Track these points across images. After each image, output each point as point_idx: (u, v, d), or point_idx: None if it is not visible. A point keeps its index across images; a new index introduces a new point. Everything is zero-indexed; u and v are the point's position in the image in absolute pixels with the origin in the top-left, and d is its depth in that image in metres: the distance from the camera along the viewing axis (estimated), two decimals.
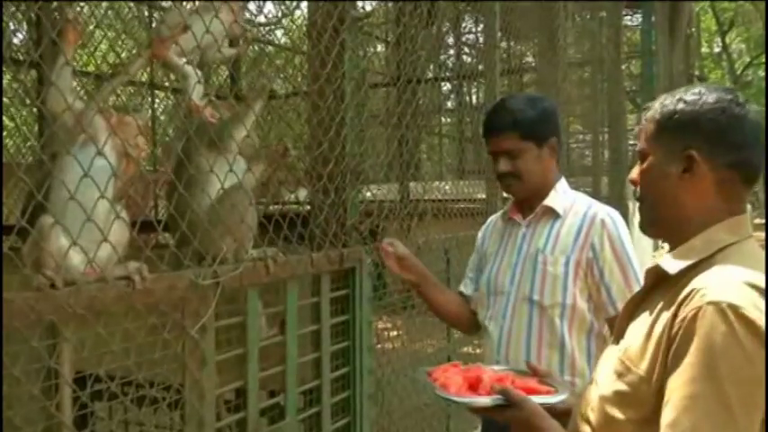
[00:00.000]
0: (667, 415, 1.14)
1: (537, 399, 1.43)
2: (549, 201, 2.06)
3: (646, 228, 1.40)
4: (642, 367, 1.23)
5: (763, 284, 1.15)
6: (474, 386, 1.53)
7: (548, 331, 2.00)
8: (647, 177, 1.35)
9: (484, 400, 1.44)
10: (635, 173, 1.39)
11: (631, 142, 7.98)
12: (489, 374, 1.57)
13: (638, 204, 1.40)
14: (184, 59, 2.04)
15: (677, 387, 1.14)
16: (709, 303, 1.14)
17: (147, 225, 2.23)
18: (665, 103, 1.34)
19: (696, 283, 1.20)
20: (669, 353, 1.18)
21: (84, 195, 1.57)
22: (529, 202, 2.11)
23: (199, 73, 2.08)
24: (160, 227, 2.08)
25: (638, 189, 1.38)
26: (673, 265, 1.28)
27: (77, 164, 1.60)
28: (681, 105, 1.30)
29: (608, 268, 1.96)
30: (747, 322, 1.11)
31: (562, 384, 1.59)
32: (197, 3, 2.11)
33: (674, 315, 1.19)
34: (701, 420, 1.10)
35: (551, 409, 1.42)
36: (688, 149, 1.28)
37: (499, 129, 2.05)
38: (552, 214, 2.06)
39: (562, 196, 2.08)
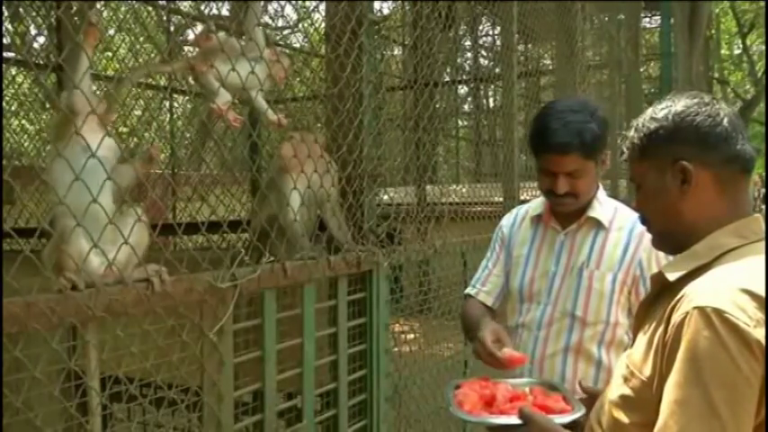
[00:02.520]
0: (659, 420, 1.16)
1: (555, 418, 1.44)
2: (593, 212, 2.00)
3: (660, 246, 1.41)
4: (644, 373, 1.24)
5: (757, 288, 1.14)
6: (489, 403, 1.56)
7: (587, 347, 1.97)
8: (648, 200, 1.35)
9: (494, 420, 1.48)
10: (635, 202, 1.39)
11: None
12: (504, 393, 1.59)
13: (646, 228, 1.40)
14: (218, 85, 2.06)
15: (667, 392, 1.15)
16: (695, 308, 1.15)
17: (166, 228, 2.24)
18: (639, 125, 1.34)
19: (687, 288, 1.21)
20: (664, 359, 1.19)
21: (103, 197, 1.57)
22: (574, 211, 2.03)
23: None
24: (180, 229, 2.09)
25: (642, 215, 1.38)
26: (673, 272, 1.28)
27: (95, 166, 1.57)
28: (654, 123, 1.30)
29: (648, 280, 1.89)
30: (731, 326, 1.11)
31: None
32: (243, 41, 2.11)
33: (668, 321, 1.20)
34: (688, 424, 1.11)
35: (575, 425, 1.44)
36: (679, 161, 1.27)
37: (564, 149, 1.89)
38: (594, 225, 2.00)
39: (604, 206, 2.02)
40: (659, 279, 1.32)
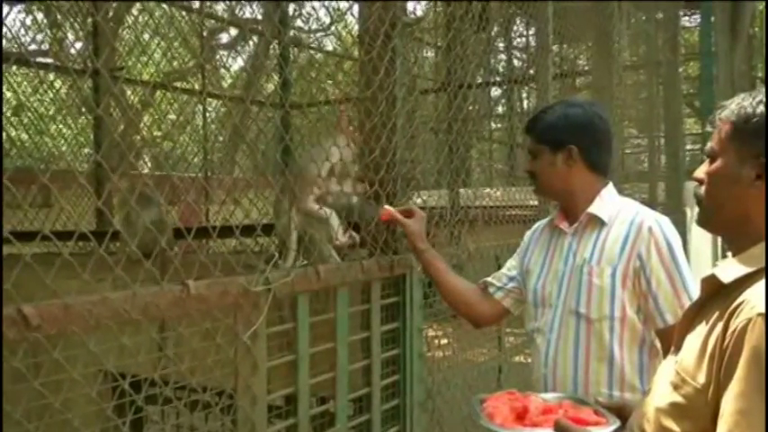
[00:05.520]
0: (719, 430, 1.12)
1: (592, 430, 1.42)
2: (593, 208, 2.01)
3: (705, 224, 1.37)
4: (698, 380, 1.21)
5: None
6: (521, 416, 1.53)
7: (596, 345, 1.95)
8: (716, 178, 1.31)
9: None
10: (701, 171, 1.35)
11: (689, 147, 7.77)
12: (536, 405, 1.56)
13: (699, 202, 1.36)
14: (317, 206, 2.30)
15: (728, 402, 1.12)
16: (759, 315, 1.11)
17: (200, 231, 2.27)
18: (744, 104, 1.29)
19: (748, 293, 1.17)
20: (722, 366, 1.15)
21: None
22: (573, 209, 2.07)
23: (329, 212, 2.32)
24: (214, 233, 2.11)
25: (703, 188, 1.34)
26: (727, 274, 1.24)
27: None
28: (760, 109, 1.25)
29: (655, 278, 1.89)
30: None
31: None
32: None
33: (726, 327, 1.16)
34: None
35: None
36: (762, 156, 1.23)
37: (525, 131, 2.16)
38: (598, 222, 2.01)
39: (608, 203, 2.02)
40: (711, 281, 1.28)
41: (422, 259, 2.29)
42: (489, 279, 2.29)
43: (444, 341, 3.11)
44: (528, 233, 2.27)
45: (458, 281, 2.29)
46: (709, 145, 1.34)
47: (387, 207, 2.27)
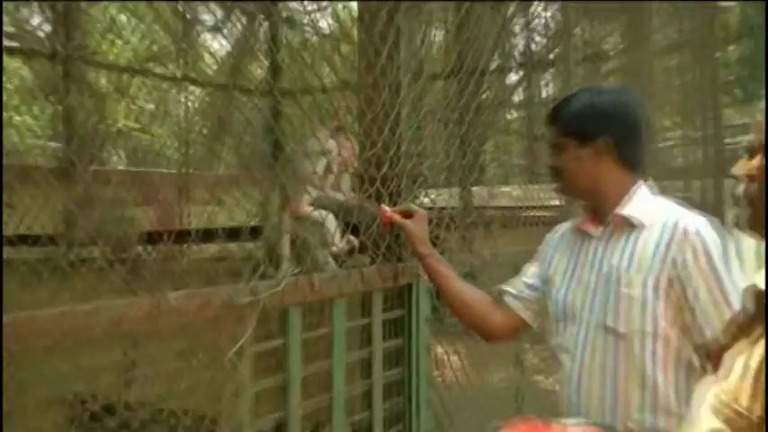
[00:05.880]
0: None
1: None
2: (624, 209, 1.97)
3: (758, 227, 1.31)
4: (741, 402, 1.18)
5: None
6: None
7: (628, 364, 1.90)
8: None
9: None
10: (746, 168, 1.32)
11: (728, 140, 7.69)
12: None
13: (748, 201, 1.32)
14: (311, 208, 2.32)
15: None
16: None
17: (179, 235, 2.25)
18: None
19: None
20: None
21: None
22: (602, 210, 2.03)
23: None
24: (194, 237, 2.10)
25: (757, 185, 1.30)
26: None
27: None
28: None
29: (692, 287, 1.85)
30: None
31: None
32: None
33: None
34: None
35: None
36: None
37: (547, 121, 2.10)
38: (629, 225, 1.97)
39: (640, 203, 1.98)
40: (754, 292, 1.25)
41: (424, 265, 2.26)
42: (504, 287, 2.26)
43: (455, 360, 3.04)
44: (549, 236, 2.24)
45: (466, 289, 2.26)
46: (756, 137, 1.31)
47: (384, 207, 2.24)
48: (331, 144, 2.29)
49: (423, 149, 2.52)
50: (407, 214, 2.25)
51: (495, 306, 2.24)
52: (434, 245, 2.42)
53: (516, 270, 2.32)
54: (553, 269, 2.14)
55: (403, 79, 2.36)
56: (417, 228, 2.24)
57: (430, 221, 2.41)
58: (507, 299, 2.23)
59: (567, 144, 2.02)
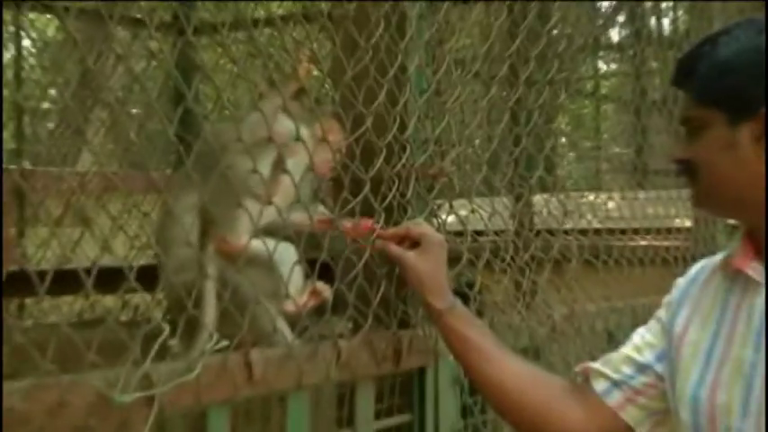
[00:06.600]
0: None
1: None
2: None
3: None
4: None
5: None
6: None
7: None
8: None
9: None
10: None
11: None
12: None
13: None
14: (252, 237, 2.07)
15: None
16: None
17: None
18: None
19: None
20: None
21: None
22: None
23: None
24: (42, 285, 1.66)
25: None
26: None
27: None
28: None
29: None
30: None
31: None
32: None
33: None
34: None
35: None
36: None
37: (673, 80, 1.88)
38: None
39: None
40: None
41: (440, 327, 1.97)
42: (595, 365, 1.92)
43: None
44: (678, 284, 1.92)
45: (519, 368, 1.94)
46: None
47: (372, 223, 1.98)
48: (287, 124, 1.89)
49: (445, 130, 2.14)
50: (410, 240, 1.98)
51: (575, 398, 1.91)
52: (466, 297, 2.18)
53: (614, 340, 2.17)
54: (687, 341, 1.84)
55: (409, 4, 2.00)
56: (427, 264, 1.95)
57: (458, 257, 2.22)
58: (599, 387, 1.88)
59: (708, 119, 1.71)
